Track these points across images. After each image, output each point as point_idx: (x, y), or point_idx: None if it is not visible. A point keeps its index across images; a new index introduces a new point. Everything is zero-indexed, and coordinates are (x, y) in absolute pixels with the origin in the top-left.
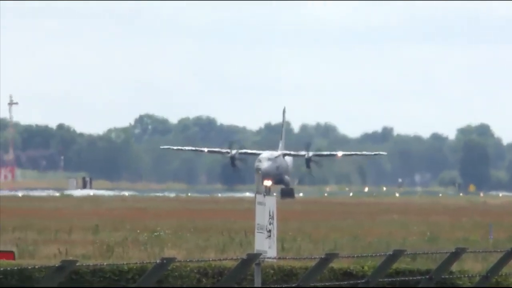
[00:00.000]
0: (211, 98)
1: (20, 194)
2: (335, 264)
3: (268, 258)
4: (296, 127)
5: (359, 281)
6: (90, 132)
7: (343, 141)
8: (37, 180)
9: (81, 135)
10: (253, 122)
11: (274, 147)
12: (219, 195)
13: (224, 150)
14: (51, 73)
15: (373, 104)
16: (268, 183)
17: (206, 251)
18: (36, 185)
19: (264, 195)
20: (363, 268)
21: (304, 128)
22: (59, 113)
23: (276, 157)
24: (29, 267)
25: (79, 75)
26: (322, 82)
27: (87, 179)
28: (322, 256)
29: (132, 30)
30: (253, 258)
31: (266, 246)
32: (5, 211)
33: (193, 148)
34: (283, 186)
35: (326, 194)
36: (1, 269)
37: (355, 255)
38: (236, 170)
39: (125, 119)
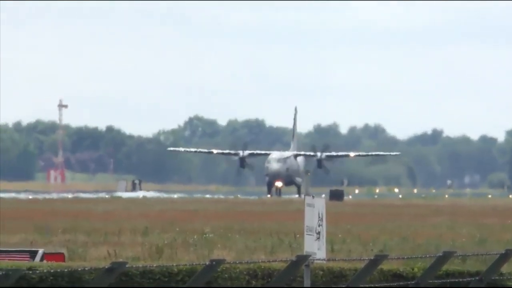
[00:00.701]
0: (260, 100)
1: (69, 196)
2: (384, 266)
3: (317, 259)
4: (344, 129)
5: (409, 283)
6: (139, 134)
7: (391, 143)
8: (86, 183)
9: (130, 137)
10: (302, 124)
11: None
12: (268, 196)
13: (233, 152)
14: (100, 75)
15: (423, 106)
16: (278, 184)
17: (255, 252)
18: (86, 187)
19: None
20: (413, 269)
21: (352, 130)
22: (109, 115)
23: (286, 158)
24: (79, 269)
25: (129, 77)
26: (370, 83)
27: (136, 181)
28: (372, 258)
29: (182, 32)
30: (303, 259)
31: (316, 248)
32: (55, 213)
33: (202, 150)
34: (298, 188)
35: (376, 196)
36: (52, 270)
37: (405, 257)
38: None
39: (175, 121)
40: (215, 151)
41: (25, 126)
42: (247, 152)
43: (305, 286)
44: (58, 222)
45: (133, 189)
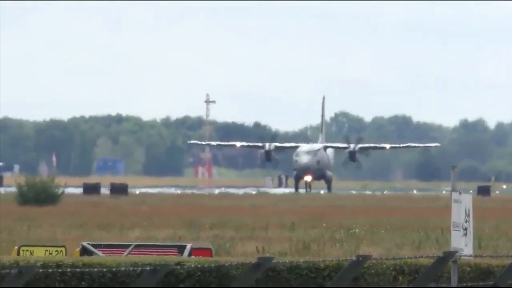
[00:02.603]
0: (406, 96)
1: (217, 191)
2: None
3: (464, 256)
4: (491, 124)
5: None
6: (286, 130)
7: None
8: (233, 178)
9: (276, 133)
10: (449, 119)
11: (469, 145)
12: (414, 191)
13: (259, 144)
14: (247, 70)
15: None
16: (308, 178)
17: (402, 248)
18: (233, 183)
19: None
20: None
21: (500, 126)
22: (256, 110)
23: (317, 150)
24: (226, 264)
25: (276, 72)
26: None
27: (283, 176)
28: None
29: (328, 27)
30: (449, 255)
31: (462, 244)
32: (203, 208)
33: (223, 143)
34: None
35: None
36: (199, 266)
37: None
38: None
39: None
40: (238, 144)
41: (173, 122)
42: (273, 145)
43: (452, 282)
44: (206, 217)
45: (280, 184)
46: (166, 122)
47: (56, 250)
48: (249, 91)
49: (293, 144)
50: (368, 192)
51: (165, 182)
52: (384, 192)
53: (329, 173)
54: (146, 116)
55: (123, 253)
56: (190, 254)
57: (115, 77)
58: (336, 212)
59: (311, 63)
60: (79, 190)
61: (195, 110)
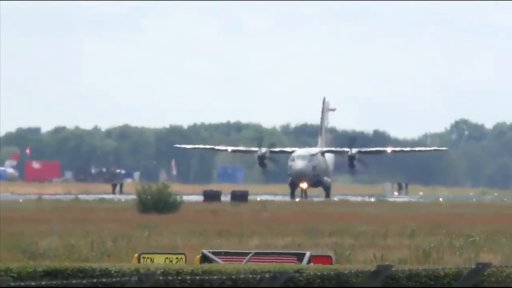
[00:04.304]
0: None
1: (336, 198)
2: None
3: None
4: None
5: None
6: (405, 137)
7: None
8: (352, 185)
9: (395, 140)
10: None
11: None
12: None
13: (253, 149)
14: (366, 78)
15: None
16: (303, 185)
17: None
18: (352, 190)
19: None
20: None
21: None
22: (375, 118)
23: (313, 155)
24: (346, 272)
25: (394, 79)
26: None
27: (403, 184)
28: None
29: (447, 33)
30: None
31: None
32: (322, 215)
33: (214, 147)
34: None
35: None
36: (318, 273)
37: None
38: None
39: (441, 124)
40: (229, 148)
41: (293, 129)
42: (267, 150)
43: None
44: (325, 224)
45: (399, 191)
46: (285, 130)
47: (176, 258)
48: (369, 98)
49: (288, 149)
50: (487, 199)
51: (284, 189)
52: (505, 200)
53: (327, 179)
54: (266, 124)
55: (242, 261)
56: (309, 262)
57: (235, 84)
58: (455, 220)
59: (430, 69)
60: (199, 198)
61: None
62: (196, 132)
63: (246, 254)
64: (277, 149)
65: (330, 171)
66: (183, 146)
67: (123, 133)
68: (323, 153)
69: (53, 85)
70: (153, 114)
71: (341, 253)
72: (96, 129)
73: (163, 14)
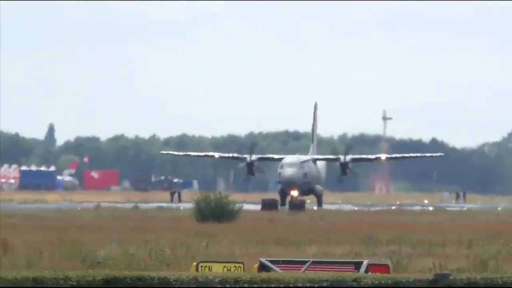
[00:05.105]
0: None
1: (393, 207)
2: None
3: None
4: None
5: None
6: (463, 146)
7: None
8: (410, 194)
9: (453, 149)
10: None
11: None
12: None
13: (240, 156)
14: (424, 85)
15: None
16: (294, 193)
17: None
18: (410, 199)
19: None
20: None
21: None
22: (433, 127)
23: (303, 162)
24: (403, 280)
25: (452, 87)
26: None
27: (461, 192)
28: None
29: (506, 41)
30: None
31: None
32: (380, 224)
33: (201, 154)
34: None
35: None
36: (376, 282)
37: None
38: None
39: (499, 133)
40: (216, 154)
41: (350, 138)
42: (255, 157)
43: None
44: (383, 233)
45: (457, 200)
46: (342, 139)
47: (235, 266)
48: (426, 106)
49: (277, 156)
50: None
51: (341, 198)
52: None
53: (318, 187)
54: (323, 133)
55: (300, 269)
56: (367, 271)
57: (293, 93)
58: None
59: (488, 77)
60: (257, 207)
61: (372, 127)
62: (253, 141)
63: (304, 262)
64: (266, 156)
65: (322, 178)
66: (170, 152)
67: (181, 142)
68: (314, 160)
69: (111, 94)
70: (210, 123)
71: (399, 262)
72: (154, 138)
73: (220, 22)
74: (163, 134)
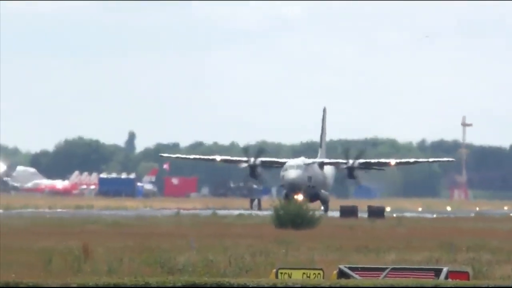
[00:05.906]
0: None
1: (472, 214)
2: None
3: None
4: None
5: None
6: None
7: None
8: (490, 201)
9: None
10: None
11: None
12: None
13: (242, 159)
14: (504, 92)
15: None
16: (299, 197)
17: None
18: (488, 205)
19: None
20: None
21: None
22: None
23: (308, 165)
24: (483, 287)
25: None
26: None
27: None
28: None
29: None
30: None
31: None
32: (459, 231)
33: (202, 157)
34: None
35: None
36: None
37: None
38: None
39: None
40: (218, 158)
41: (429, 145)
42: (258, 160)
43: None
44: (463, 240)
45: None
46: (421, 145)
47: (314, 273)
48: (507, 113)
49: (282, 160)
50: None
51: (420, 205)
52: None
53: (324, 192)
54: (402, 139)
55: (379, 276)
56: (446, 278)
57: (371, 100)
58: None
59: None
60: (337, 214)
61: (451, 133)
62: (333, 148)
63: (383, 269)
64: (268, 159)
65: (330, 184)
66: (170, 155)
67: (261, 149)
68: (321, 164)
69: (191, 101)
70: (289, 130)
71: (479, 269)
72: (233, 145)
73: (298, 30)
74: (242, 141)
